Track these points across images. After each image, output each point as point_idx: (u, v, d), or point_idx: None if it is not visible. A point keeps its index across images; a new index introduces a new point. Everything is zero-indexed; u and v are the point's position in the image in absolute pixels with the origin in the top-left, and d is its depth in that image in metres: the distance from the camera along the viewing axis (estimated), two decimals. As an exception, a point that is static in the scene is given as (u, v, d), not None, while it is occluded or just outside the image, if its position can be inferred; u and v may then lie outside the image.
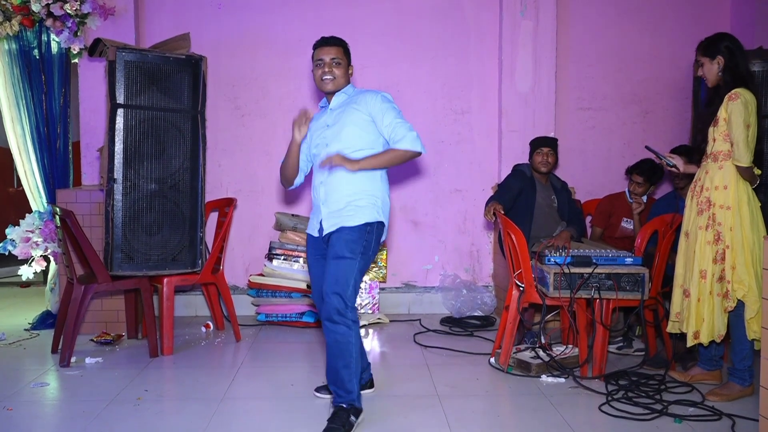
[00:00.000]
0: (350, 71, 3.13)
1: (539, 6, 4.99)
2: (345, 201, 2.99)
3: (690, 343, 3.27)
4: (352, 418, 2.91)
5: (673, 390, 3.42)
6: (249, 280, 4.81)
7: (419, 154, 2.97)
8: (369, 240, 2.98)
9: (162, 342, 4.08)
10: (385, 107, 2.99)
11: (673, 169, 3.48)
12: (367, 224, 2.98)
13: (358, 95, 3.08)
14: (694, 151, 3.46)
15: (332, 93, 3.09)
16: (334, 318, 2.89)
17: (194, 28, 4.63)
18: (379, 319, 4.83)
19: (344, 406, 2.92)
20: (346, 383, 2.93)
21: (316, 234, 3.10)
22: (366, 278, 4.80)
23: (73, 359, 3.88)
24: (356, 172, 2.93)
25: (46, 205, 4.69)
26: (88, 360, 3.92)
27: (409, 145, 2.93)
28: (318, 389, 3.39)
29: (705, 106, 3.42)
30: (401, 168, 5.14)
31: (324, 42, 3.07)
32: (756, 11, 4.97)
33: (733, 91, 3.18)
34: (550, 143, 4.24)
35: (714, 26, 4.82)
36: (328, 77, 3.03)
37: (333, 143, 3.01)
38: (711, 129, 3.27)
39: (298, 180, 3.23)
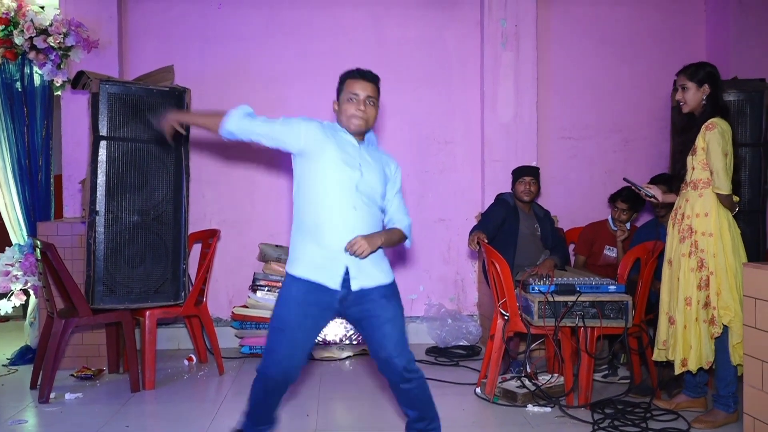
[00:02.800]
0: (376, 114, 2.76)
1: (520, 37, 5.07)
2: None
3: (678, 370, 3.28)
4: None
5: (659, 418, 3.42)
6: (233, 312, 4.77)
7: (405, 241, 2.79)
8: None
9: (144, 376, 4.02)
10: (400, 181, 2.81)
11: (652, 199, 3.52)
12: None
13: (381, 151, 2.82)
14: (674, 179, 3.50)
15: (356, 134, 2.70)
16: (413, 367, 2.65)
17: (178, 61, 4.65)
18: (364, 349, 4.79)
19: None
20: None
21: (335, 286, 2.58)
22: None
23: (52, 395, 3.80)
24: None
25: (26, 238, 4.64)
26: (68, 396, 3.86)
27: (407, 231, 2.76)
28: None
29: (680, 132, 3.47)
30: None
31: (362, 75, 2.72)
32: (731, 42, 5.09)
33: (709, 121, 3.24)
34: (532, 172, 4.28)
35: (690, 57, 4.89)
36: (360, 118, 2.66)
37: (366, 192, 2.64)
38: (690, 158, 3.32)
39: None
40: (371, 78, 2.72)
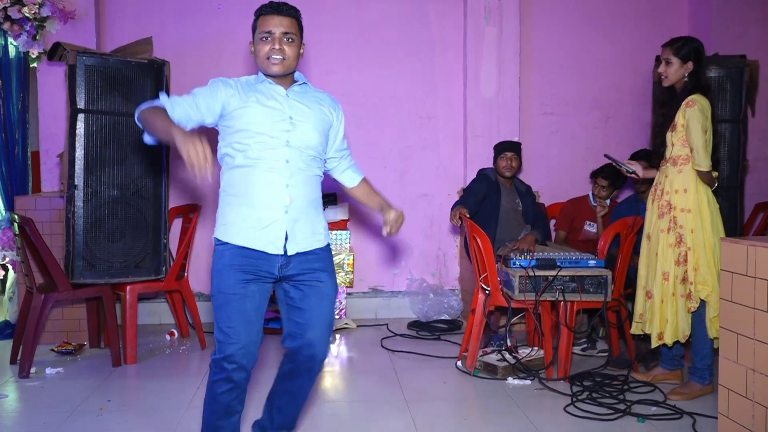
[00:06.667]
0: (302, 51, 2.45)
1: (503, 13, 5.04)
2: (314, 211, 2.46)
3: (654, 344, 3.33)
4: None
5: (636, 390, 3.48)
6: (214, 287, 4.75)
7: None
8: None
9: (125, 351, 4.01)
10: (343, 121, 2.58)
11: (632, 175, 3.55)
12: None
13: (318, 93, 2.53)
14: (654, 155, 3.53)
15: (278, 76, 2.41)
16: (320, 368, 2.48)
17: (157, 33, 4.57)
18: (346, 324, 4.81)
19: None
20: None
21: (276, 251, 2.34)
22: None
23: (33, 370, 3.79)
24: (317, 180, 2.48)
25: (4, 212, 4.58)
26: (48, 370, 3.84)
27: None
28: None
29: (660, 106, 3.49)
30: (368, 171, 5.14)
31: (275, 9, 2.38)
32: (713, 19, 5.11)
33: (689, 98, 3.25)
34: (514, 148, 4.29)
35: (672, 33, 4.90)
36: (278, 57, 2.34)
37: (298, 146, 2.37)
38: (669, 134, 3.34)
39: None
40: (287, 11, 2.39)
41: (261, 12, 2.41)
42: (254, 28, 2.43)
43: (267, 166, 2.33)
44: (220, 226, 2.43)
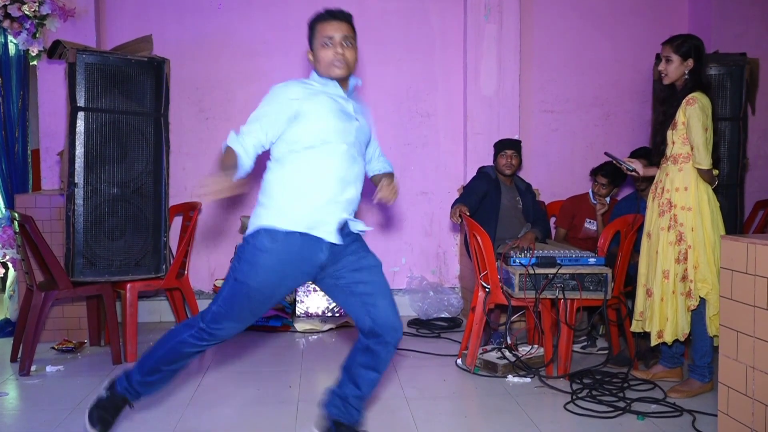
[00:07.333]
0: (356, 56, 2.57)
1: (503, 10, 5.03)
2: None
3: (654, 342, 3.33)
4: None
5: (636, 387, 3.48)
6: (214, 285, 4.76)
7: None
8: None
9: (125, 349, 4.01)
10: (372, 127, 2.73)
11: (632, 173, 3.55)
12: None
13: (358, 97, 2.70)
14: (655, 153, 3.53)
15: (340, 79, 2.53)
16: (401, 337, 2.56)
17: (156, 31, 4.57)
18: (346, 321, 4.82)
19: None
20: None
21: (333, 239, 2.46)
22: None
23: (33, 368, 3.79)
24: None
25: (4, 210, 4.58)
26: (49, 368, 3.84)
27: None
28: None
29: (660, 103, 3.49)
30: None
31: (333, 16, 2.49)
32: (713, 16, 5.11)
33: (690, 96, 3.25)
34: (514, 145, 4.29)
35: (672, 31, 4.90)
36: (341, 62, 2.47)
37: (361, 141, 2.59)
38: (670, 132, 3.34)
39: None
40: (344, 17, 2.50)
41: (318, 20, 2.52)
42: (311, 36, 2.54)
43: (335, 164, 2.46)
44: (276, 215, 2.44)
